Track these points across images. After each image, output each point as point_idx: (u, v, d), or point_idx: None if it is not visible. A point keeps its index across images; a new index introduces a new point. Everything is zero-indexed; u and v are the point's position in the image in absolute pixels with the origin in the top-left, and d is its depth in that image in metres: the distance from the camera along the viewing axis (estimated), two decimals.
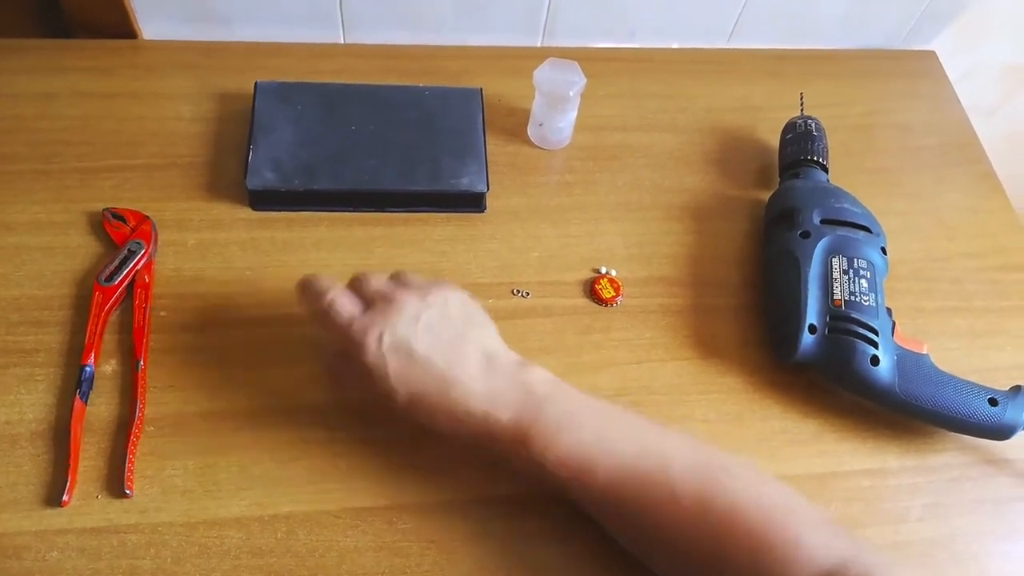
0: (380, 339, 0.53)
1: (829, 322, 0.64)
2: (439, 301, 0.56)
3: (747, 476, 0.53)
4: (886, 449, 0.65)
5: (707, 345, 0.69)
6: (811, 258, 0.66)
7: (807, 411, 0.66)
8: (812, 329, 0.64)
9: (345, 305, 0.55)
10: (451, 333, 0.55)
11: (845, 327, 0.63)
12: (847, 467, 0.64)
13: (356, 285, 0.57)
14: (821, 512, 0.54)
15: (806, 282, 0.65)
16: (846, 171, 0.79)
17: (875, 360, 0.62)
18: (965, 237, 0.79)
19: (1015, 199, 0.83)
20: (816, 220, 0.68)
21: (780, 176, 0.77)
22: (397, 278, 0.58)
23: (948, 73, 0.93)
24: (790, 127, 0.78)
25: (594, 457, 0.52)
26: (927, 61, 0.94)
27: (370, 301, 0.55)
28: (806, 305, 0.64)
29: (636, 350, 0.68)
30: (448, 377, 0.53)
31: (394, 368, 0.53)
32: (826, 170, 0.75)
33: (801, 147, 0.75)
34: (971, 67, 1.03)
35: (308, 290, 0.57)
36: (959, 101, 0.90)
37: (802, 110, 0.80)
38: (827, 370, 0.65)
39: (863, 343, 0.62)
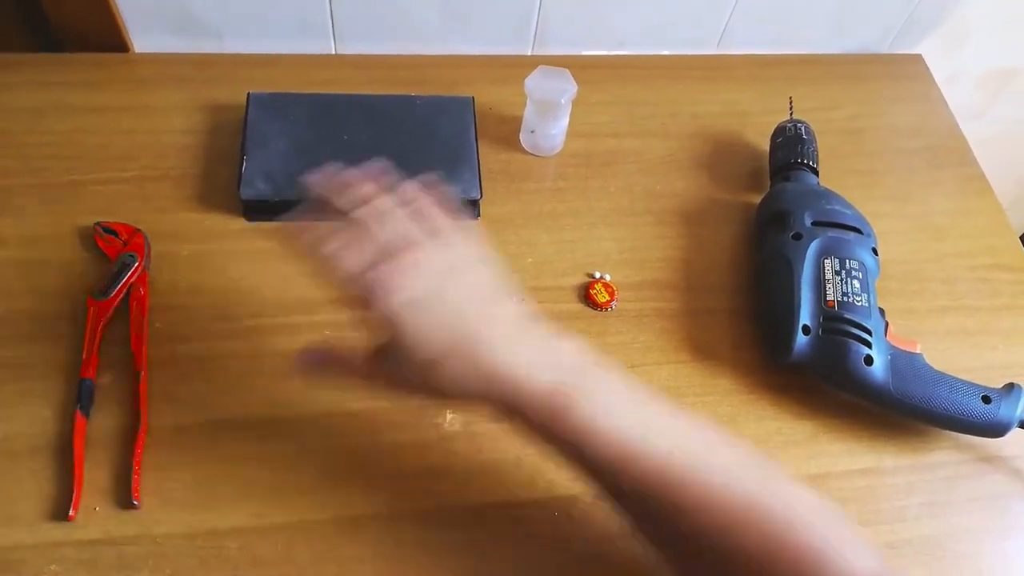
0: (397, 296, 0.47)
1: (822, 323, 0.64)
2: (466, 265, 0.51)
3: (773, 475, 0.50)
4: (881, 449, 0.65)
5: (702, 348, 0.69)
6: (803, 260, 0.67)
7: (802, 412, 0.67)
8: (806, 330, 0.64)
9: (352, 258, 0.48)
10: (480, 295, 0.50)
11: (838, 328, 0.63)
12: (843, 467, 0.64)
13: (365, 223, 0.50)
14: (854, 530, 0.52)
15: (799, 284, 0.66)
16: (836, 174, 0.80)
17: (869, 360, 0.62)
18: (955, 237, 0.79)
19: (1004, 200, 0.84)
20: (807, 222, 0.69)
21: (771, 179, 0.78)
22: (416, 218, 0.51)
23: (935, 76, 0.94)
24: (780, 131, 0.79)
25: (643, 428, 0.48)
26: (914, 65, 0.95)
27: (384, 251, 0.49)
28: (799, 306, 0.65)
29: (631, 354, 0.68)
30: (478, 338, 0.48)
31: (412, 327, 0.47)
32: (816, 173, 0.75)
33: (791, 150, 0.76)
34: (958, 70, 1.04)
35: (304, 238, 0.50)
36: (947, 104, 0.91)
37: (791, 114, 0.81)
38: (821, 371, 0.65)
39: (857, 343, 0.63)
